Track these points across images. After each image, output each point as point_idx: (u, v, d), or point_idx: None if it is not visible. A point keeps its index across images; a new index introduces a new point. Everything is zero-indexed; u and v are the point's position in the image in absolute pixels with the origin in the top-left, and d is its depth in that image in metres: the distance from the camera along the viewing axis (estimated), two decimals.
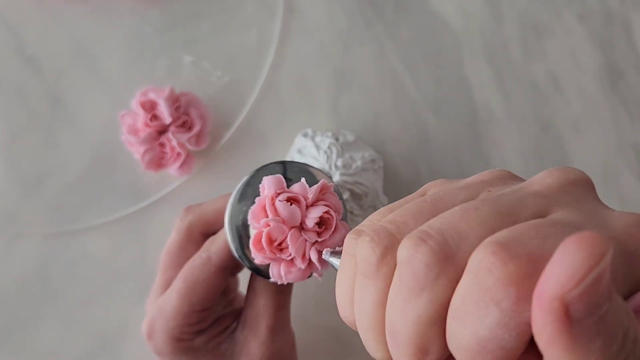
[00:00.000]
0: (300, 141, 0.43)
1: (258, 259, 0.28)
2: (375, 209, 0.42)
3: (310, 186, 0.28)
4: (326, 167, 0.40)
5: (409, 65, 0.47)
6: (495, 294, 0.16)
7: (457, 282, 0.17)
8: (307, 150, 0.42)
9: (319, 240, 0.28)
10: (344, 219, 0.31)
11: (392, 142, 0.46)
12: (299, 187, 0.28)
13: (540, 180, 0.20)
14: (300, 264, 0.28)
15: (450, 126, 0.46)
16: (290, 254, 0.28)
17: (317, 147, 0.41)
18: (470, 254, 0.17)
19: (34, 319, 0.43)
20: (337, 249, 0.27)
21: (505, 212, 0.18)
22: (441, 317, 0.18)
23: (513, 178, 0.22)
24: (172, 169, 0.43)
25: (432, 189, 0.23)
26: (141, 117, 0.42)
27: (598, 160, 0.47)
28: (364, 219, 0.28)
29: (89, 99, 0.45)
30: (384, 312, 0.19)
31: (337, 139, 0.42)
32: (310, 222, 0.28)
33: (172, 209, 0.44)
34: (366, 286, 0.19)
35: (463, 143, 0.46)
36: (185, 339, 0.33)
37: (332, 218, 0.28)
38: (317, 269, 0.28)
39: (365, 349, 0.21)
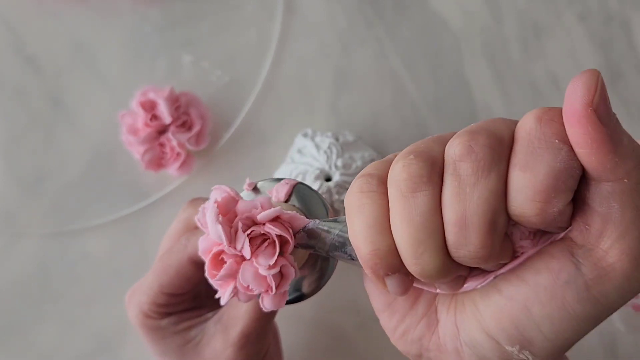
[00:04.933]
0: (300, 141, 0.43)
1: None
2: None
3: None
4: (326, 167, 0.40)
5: (409, 65, 0.47)
6: (563, 136, 0.20)
7: (509, 156, 0.21)
8: (307, 150, 0.42)
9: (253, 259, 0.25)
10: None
11: (392, 142, 0.46)
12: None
13: None
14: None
15: (450, 126, 0.46)
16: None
17: (317, 147, 0.41)
18: (511, 136, 0.21)
19: (34, 319, 0.43)
20: (320, 221, 0.25)
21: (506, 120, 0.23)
22: (504, 190, 0.21)
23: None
24: (172, 169, 0.43)
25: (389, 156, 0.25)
26: (141, 117, 0.42)
27: None
28: None
29: (88, 98, 0.45)
30: (439, 216, 0.21)
31: (337, 139, 0.42)
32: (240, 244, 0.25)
33: (171, 208, 0.44)
34: (417, 199, 0.21)
35: None
36: (153, 317, 0.34)
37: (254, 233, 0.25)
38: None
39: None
